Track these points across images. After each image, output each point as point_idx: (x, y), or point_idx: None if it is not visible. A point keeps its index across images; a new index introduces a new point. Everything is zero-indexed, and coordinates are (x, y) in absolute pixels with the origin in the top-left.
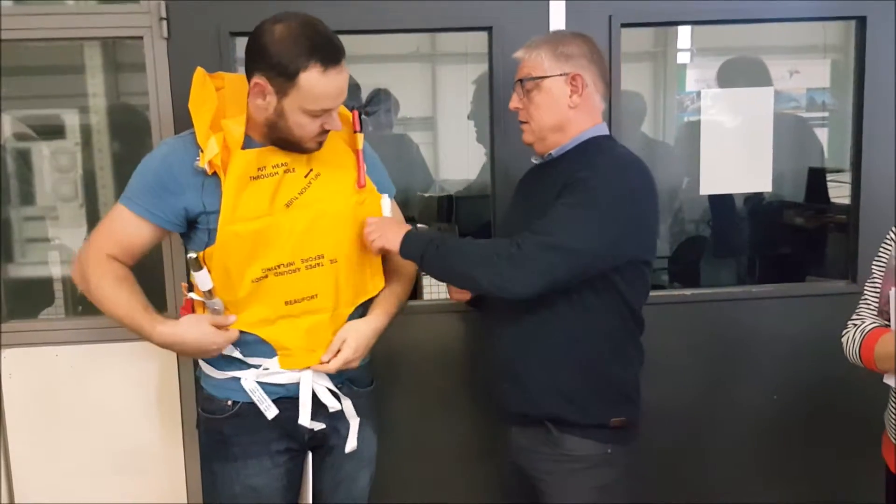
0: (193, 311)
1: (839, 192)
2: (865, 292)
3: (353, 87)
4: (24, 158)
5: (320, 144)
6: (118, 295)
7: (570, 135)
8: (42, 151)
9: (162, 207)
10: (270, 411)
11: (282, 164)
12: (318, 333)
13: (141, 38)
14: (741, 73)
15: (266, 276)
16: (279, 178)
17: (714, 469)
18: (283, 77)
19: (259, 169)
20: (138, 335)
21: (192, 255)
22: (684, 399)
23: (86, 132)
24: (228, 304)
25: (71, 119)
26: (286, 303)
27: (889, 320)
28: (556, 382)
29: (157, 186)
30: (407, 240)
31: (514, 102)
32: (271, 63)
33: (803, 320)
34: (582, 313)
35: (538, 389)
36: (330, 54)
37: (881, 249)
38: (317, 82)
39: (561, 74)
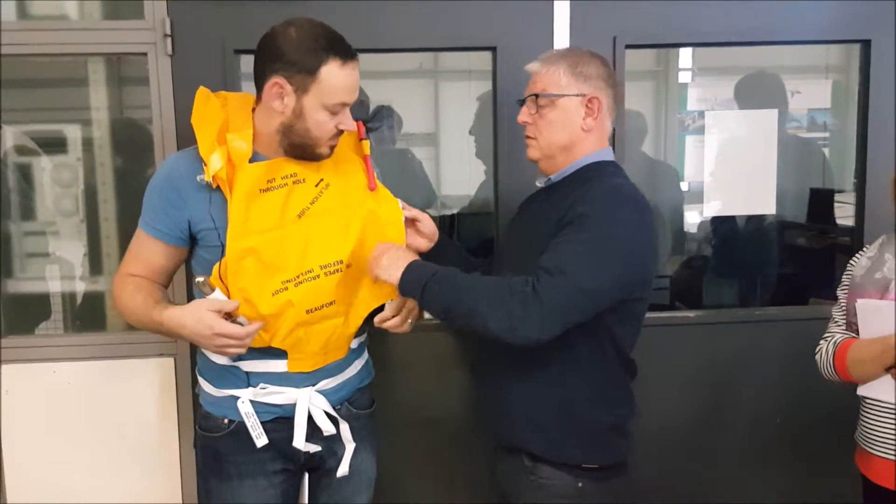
0: None
1: (840, 212)
2: (833, 313)
3: (364, 106)
4: (24, 172)
5: (332, 150)
6: (135, 300)
7: (575, 156)
8: (43, 166)
9: (166, 223)
10: (261, 440)
11: (291, 175)
12: (338, 337)
13: (145, 54)
14: (759, 89)
15: (286, 288)
16: (289, 190)
17: (715, 494)
18: (304, 73)
19: (269, 181)
20: (157, 330)
21: (200, 279)
22: (686, 421)
23: (88, 147)
24: (254, 321)
25: (73, 133)
26: (307, 311)
27: (857, 333)
28: (533, 418)
29: (162, 203)
30: (408, 272)
31: (524, 116)
32: (291, 61)
33: (807, 343)
34: (565, 351)
35: (516, 422)
36: (346, 49)
37: (844, 275)
38: (337, 75)
39: (578, 95)
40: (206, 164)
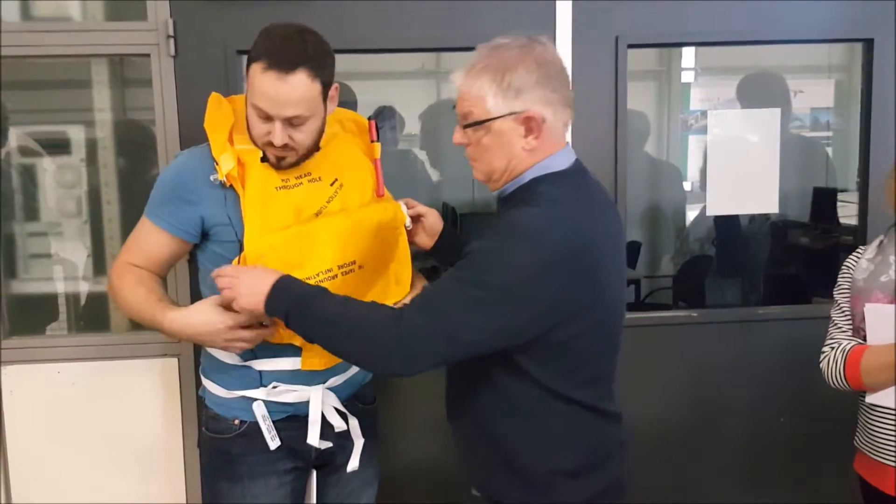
0: None
1: (844, 211)
2: (833, 318)
3: (350, 104)
4: (28, 174)
5: (279, 161)
6: (136, 294)
7: (518, 172)
8: (47, 167)
9: (178, 217)
10: (274, 442)
11: (305, 175)
12: None
13: (148, 55)
14: (761, 88)
15: None
16: (304, 189)
17: (717, 493)
18: (248, 65)
19: (283, 179)
20: (156, 329)
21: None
22: (690, 421)
23: (91, 148)
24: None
25: (76, 134)
26: None
27: (865, 338)
28: (475, 455)
29: (173, 197)
30: (274, 293)
31: (458, 138)
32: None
33: (810, 343)
34: (489, 387)
35: (462, 456)
36: (279, 60)
37: (840, 278)
38: (256, 76)
39: (510, 114)
40: (218, 164)
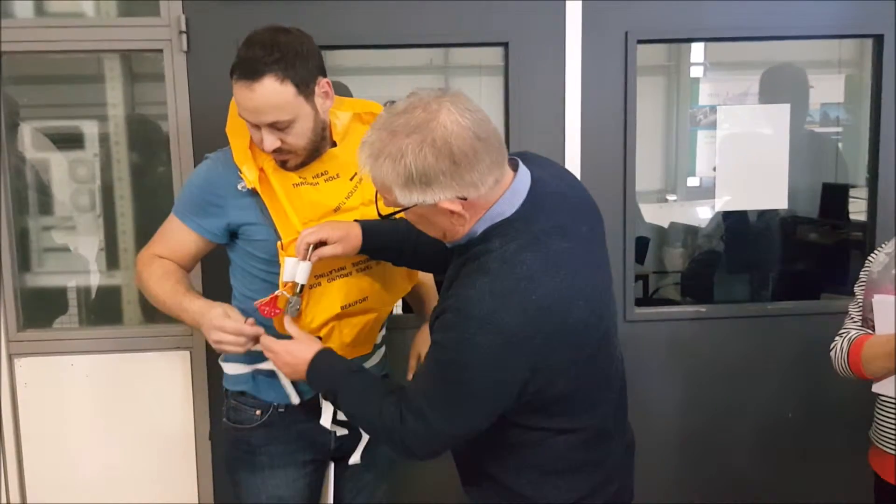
0: (276, 306)
1: (853, 207)
2: (850, 310)
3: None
4: (42, 168)
5: (282, 164)
6: (162, 286)
7: (465, 232)
8: (60, 162)
9: (206, 220)
10: (294, 397)
11: (322, 174)
12: (369, 331)
13: (161, 51)
14: (784, 81)
15: (319, 283)
16: (320, 188)
17: (723, 490)
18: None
19: (301, 177)
20: (178, 317)
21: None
22: (697, 416)
23: (104, 143)
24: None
25: (89, 129)
26: (342, 307)
27: (873, 329)
28: (474, 481)
29: (202, 202)
30: (310, 375)
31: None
32: None
33: (818, 338)
34: (488, 435)
35: (463, 479)
36: (242, 70)
37: (861, 273)
38: (234, 86)
39: (423, 204)
40: (242, 172)
